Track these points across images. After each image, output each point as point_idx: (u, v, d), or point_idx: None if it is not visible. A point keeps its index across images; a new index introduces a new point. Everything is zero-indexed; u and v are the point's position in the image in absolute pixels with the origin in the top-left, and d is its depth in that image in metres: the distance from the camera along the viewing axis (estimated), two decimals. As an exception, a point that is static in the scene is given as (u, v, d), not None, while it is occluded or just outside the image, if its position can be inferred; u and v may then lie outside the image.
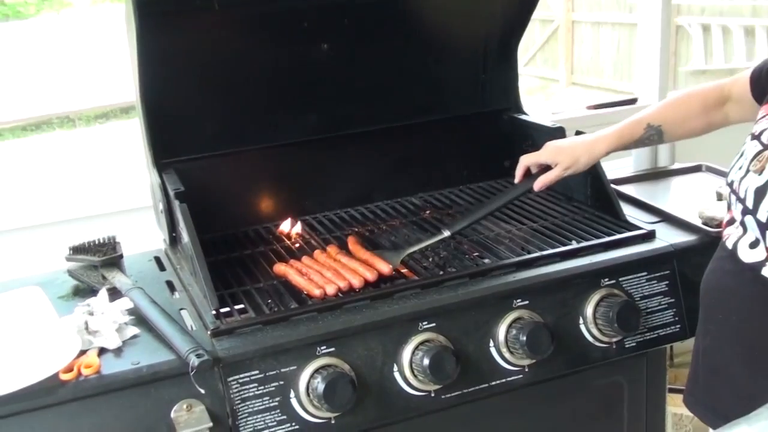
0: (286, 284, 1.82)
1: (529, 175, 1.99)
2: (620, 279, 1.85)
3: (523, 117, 2.36)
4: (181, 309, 1.76)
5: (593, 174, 2.09)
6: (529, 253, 1.89)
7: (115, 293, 1.77)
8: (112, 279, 1.85)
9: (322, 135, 2.22)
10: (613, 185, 2.12)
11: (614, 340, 1.83)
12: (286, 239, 2.10)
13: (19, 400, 1.43)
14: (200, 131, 2.10)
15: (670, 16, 2.90)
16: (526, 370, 1.76)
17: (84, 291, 1.87)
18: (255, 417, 1.56)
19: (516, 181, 2.01)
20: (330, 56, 2.16)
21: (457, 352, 1.66)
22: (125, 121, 7.82)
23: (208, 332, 1.61)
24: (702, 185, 2.38)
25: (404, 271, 1.87)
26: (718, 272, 1.67)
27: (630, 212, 2.08)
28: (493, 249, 1.94)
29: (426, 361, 1.62)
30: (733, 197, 1.59)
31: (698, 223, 2.00)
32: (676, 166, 2.58)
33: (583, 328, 1.81)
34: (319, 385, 1.55)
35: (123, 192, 2.44)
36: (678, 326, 1.90)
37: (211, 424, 1.51)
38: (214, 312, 1.66)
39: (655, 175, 2.53)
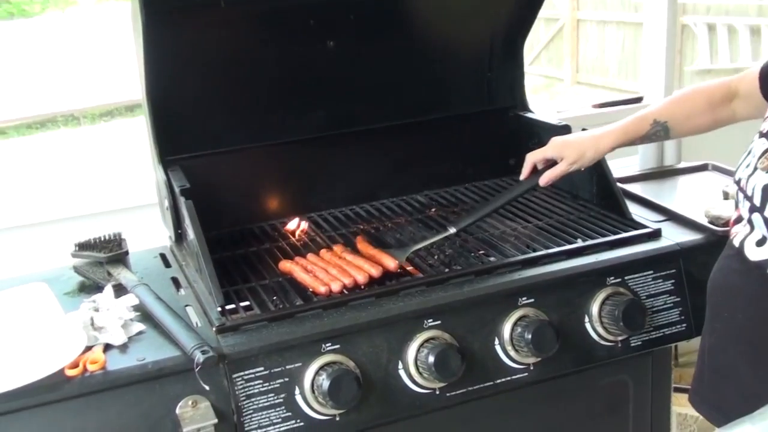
0: (291, 281, 1.82)
1: (535, 172, 1.98)
2: (626, 277, 1.84)
3: (529, 115, 2.36)
4: (187, 305, 1.76)
5: (599, 172, 2.08)
6: (534, 251, 1.89)
7: (120, 290, 1.77)
8: (117, 275, 1.85)
9: (327, 132, 2.22)
10: (619, 184, 2.12)
11: (620, 338, 1.82)
12: (291, 236, 2.10)
13: (25, 396, 1.43)
14: (206, 128, 2.10)
15: (676, 15, 2.90)
16: (531, 368, 1.76)
17: (89, 287, 1.87)
18: (260, 413, 1.56)
19: (522, 177, 2.00)
20: (336, 54, 2.16)
21: (462, 349, 1.66)
22: (130, 119, 7.83)
23: (214, 329, 1.62)
24: (708, 184, 2.37)
25: (410, 268, 1.87)
26: (725, 271, 1.67)
27: (636, 211, 2.08)
28: (498, 247, 1.94)
29: (431, 359, 1.61)
30: (741, 195, 1.59)
31: (704, 222, 2.00)
32: (683, 165, 2.57)
33: (588, 326, 1.81)
34: (324, 382, 1.55)
35: (128, 189, 2.45)
36: (684, 325, 1.90)
37: (216, 421, 1.51)
38: (219, 309, 1.66)
39: (661, 173, 2.52)
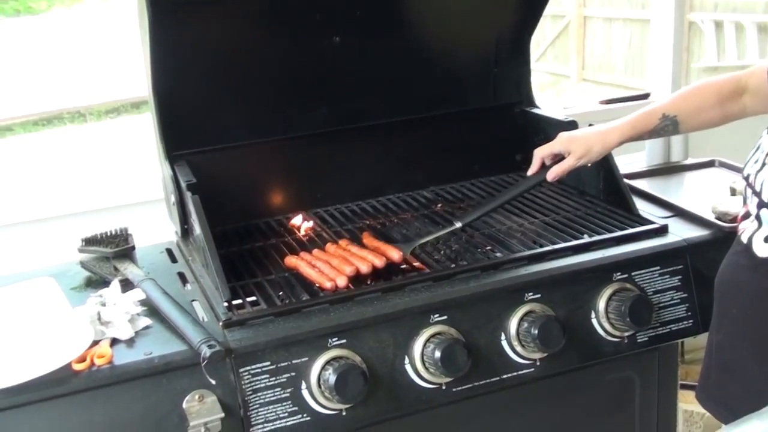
0: (297, 276, 1.82)
1: (543, 167, 1.98)
2: (633, 273, 1.84)
3: (536, 111, 2.36)
4: (193, 300, 1.76)
5: (606, 168, 2.08)
6: (541, 246, 1.88)
7: (127, 284, 1.78)
8: (124, 270, 1.85)
9: (333, 128, 2.22)
10: (625, 180, 2.11)
11: (626, 334, 1.82)
12: (297, 232, 2.11)
13: (33, 390, 1.44)
14: (212, 124, 2.10)
15: (683, 12, 2.89)
16: (538, 363, 1.75)
17: (96, 282, 1.88)
18: (266, 408, 1.56)
19: (530, 173, 2.00)
20: (342, 49, 2.15)
21: (469, 344, 1.66)
22: (136, 116, 7.84)
23: (220, 323, 1.62)
24: (715, 180, 2.37)
25: (416, 263, 1.87)
26: (733, 267, 1.66)
27: (643, 207, 2.07)
28: (505, 242, 1.94)
29: (437, 354, 1.62)
30: (749, 191, 1.58)
31: (711, 218, 1.99)
32: (690, 161, 2.57)
33: (595, 322, 1.81)
34: (331, 376, 1.55)
35: (135, 185, 2.45)
36: (690, 321, 1.89)
37: (222, 415, 1.52)
38: (225, 303, 1.66)
39: (668, 169, 2.51)
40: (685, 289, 1.89)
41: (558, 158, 1.95)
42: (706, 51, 8.66)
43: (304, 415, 1.59)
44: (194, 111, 2.06)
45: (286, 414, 1.58)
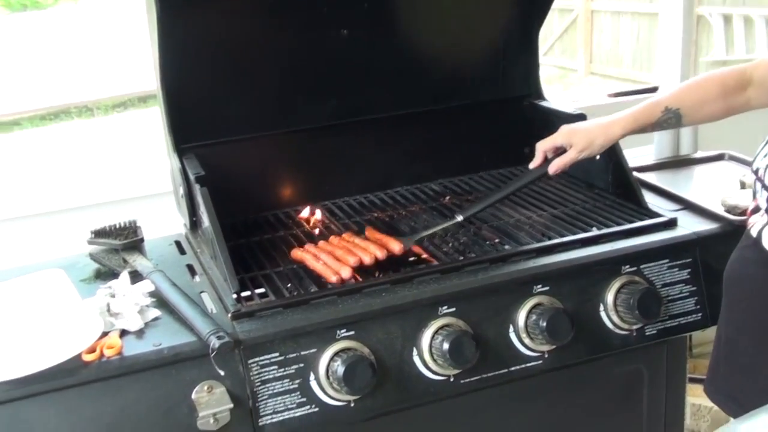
0: (305, 268, 1.82)
1: (546, 160, 1.97)
2: (641, 266, 1.84)
3: (544, 103, 2.35)
4: (202, 292, 1.77)
5: (615, 161, 2.08)
6: (549, 239, 1.88)
7: (136, 276, 1.78)
8: (133, 262, 1.86)
9: (341, 120, 2.22)
10: (634, 173, 2.11)
11: (635, 327, 1.82)
12: (305, 224, 2.11)
13: (43, 380, 1.45)
14: (220, 116, 2.10)
15: (691, 6, 2.87)
16: (546, 356, 1.75)
17: (106, 274, 1.88)
18: (275, 399, 1.57)
19: (532, 166, 1.99)
20: (349, 42, 2.15)
21: (477, 337, 1.66)
22: (143, 110, 7.86)
23: (229, 315, 1.62)
24: (725, 173, 2.36)
25: (425, 255, 1.87)
26: (742, 261, 1.66)
27: (652, 200, 2.07)
28: (513, 235, 1.94)
29: (446, 346, 1.62)
30: (758, 185, 1.58)
31: (721, 211, 1.99)
32: (699, 154, 2.56)
33: (603, 314, 1.80)
34: (339, 368, 1.56)
35: (143, 178, 2.46)
36: (699, 314, 1.89)
37: (231, 405, 1.52)
38: (234, 295, 1.67)
39: (677, 163, 2.51)
40: (694, 282, 1.88)
41: (560, 151, 1.94)
42: (714, 45, 8.63)
43: (313, 406, 1.59)
44: (202, 104, 2.06)
45: (295, 405, 1.58)
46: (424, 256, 1.87)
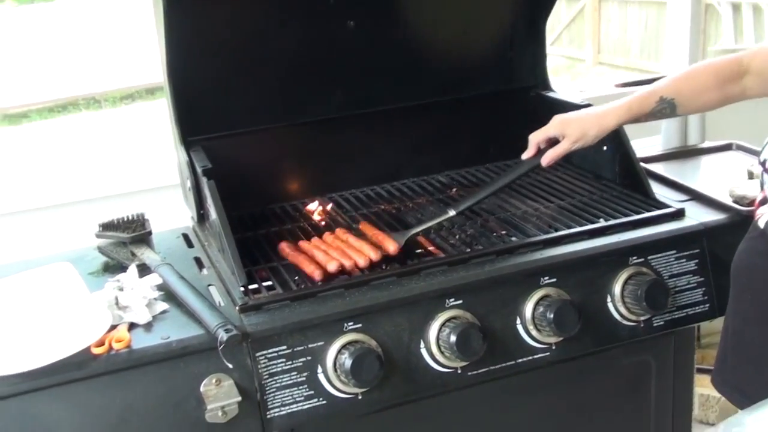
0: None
1: (538, 152, 1.95)
2: (649, 257, 1.83)
3: (551, 94, 2.34)
4: (210, 285, 1.77)
5: (622, 152, 2.07)
6: (556, 230, 1.88)
7: (144, 269, 1.79)
8: (141, 255, 1.86)
9: (348, 112, 2.22)
10: (642, 163, 2.10)
11: (642, 318, 1.81)
12: (312, 217, 2.11)
13: (52, 374, 1.45)
14: (227, 109, 2.11)
15: (701, -5, 2.86)
16: (553, 347, 1.75)
17: (114, 267, 1.89)
18: (283, 392, 1.57)
19: (525, 157, 1.97)
20: (356, 34, 2.15)
21: (484, 329, 1.66)
22: (151, 102, 7.87)
23: (237, 308, 1.63)
24: (732, 164, 2.35)
25: (431, 248, 1.87)
26: (749, 252, 1.65)
27: (659, 191, 2.06)
28: (520, 226, 1.93)
29: (453, 338, 1.62)
30: (766, 176, 1.57)
31: (729, 201, 1.98)
32: (706, 144, 2.55)
33: (610, 306, 1.80)
34: (347, 360, 1.56)
35: (151, 170, 2.46)
36: (707, 305, 1.89)
37: (239, 398, 1.53)
38: (242, 288, 1.67)
39: (684, 153, 2.50)
40: (701, 273, 1.88)
41: (553, 142, 1.92)
42: (723, 34, 8.58)
43: (320, 398, 1.60)
44: (209, 96, 2.06)
45: (303, 398, 1.59)
46: (431, 248, 1.87)
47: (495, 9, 2.31)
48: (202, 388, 1.52)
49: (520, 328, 1.73)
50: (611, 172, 2.14)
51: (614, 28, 10.25)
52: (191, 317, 1.60)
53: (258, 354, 1.56)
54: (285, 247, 1.86)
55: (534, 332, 1.73)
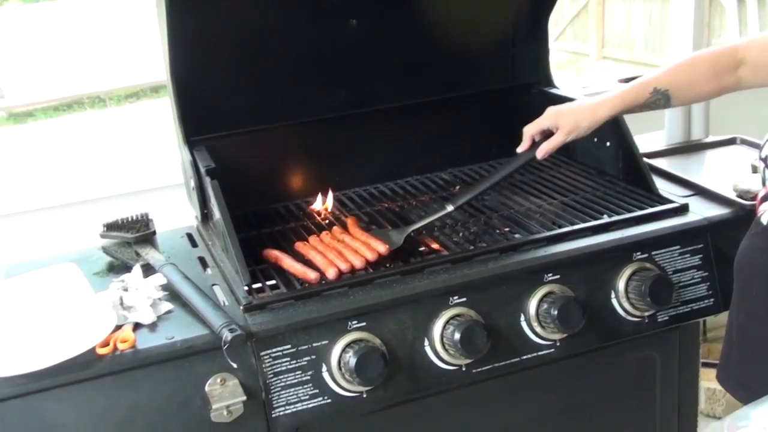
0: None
1: (533, 145, 1.95)
2: (653, 253, 1.83)
3: (554, 91, 2.34)
4: (214, 285, 1.77)
5: (625, 147, 2.07)
6: (560, 227, 1.88)
7: (148, 269, 1.79)
8: (145, 255, 1.86)
9: (351, 111, 2.22)
10: (645, 159, 2.10)
11: (646, 314, 1.81)
12: (316, 215, 2.11)
13: (58, 374, 1.46)
14: (230, 108, 2.11)
15: (705, -12, 2.85)
16: (558, 344, 1.75)
17: (118, 267, 1.89)
18: (288, 391, 1.58)
19: (519, 150, 1.97)
20: (359, 32, 2.15)
21: (488, 326, 1.66)
22: (155, 101, 7.88)
23: (241, 307, 1.63)
24: (737, 158, 2.35)
25: (435, 245, 1.87)
26: (752, 248, 1.65)
27: (663, 186, 2.06)
28: (523, 223, 1.93)
29: (457, 336, 1.62)
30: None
31: (733, 196, 1.98)
32: (710, 138, 2.54)
33: (615, 302, 1.80)
34: (351, 359, 1.56)
35: (155, 170, 2.47)
36: (711, 300, 1.89)
37: (244, 398, 1.53)
38: (246, 287, 1.67)
39: (688, 148, 2.49)
40: (705, 267, 1.88)
41: (547, 134, 1.92)
42: (727, 27, 8.55)
43: (325, 397, 1.60)
44: (212, 96, 2.06)
45: (308, 396, 1.59)
46: (435, 245, 1.87)
47: (497, 6, 2.31)
48: (207, 388, 1.53)
49: (524, 325, 1.74)
50: (614, 168, 2.14)
51: (618, 22, 10.21)
52: (196, 317, 1.61)
53: (262, 353, 1.56)
54: (271, 253, 1.85)
55: (538, 329, 1.73)
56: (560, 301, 1.70)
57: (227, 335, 1.50)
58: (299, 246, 1.86)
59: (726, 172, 2.18)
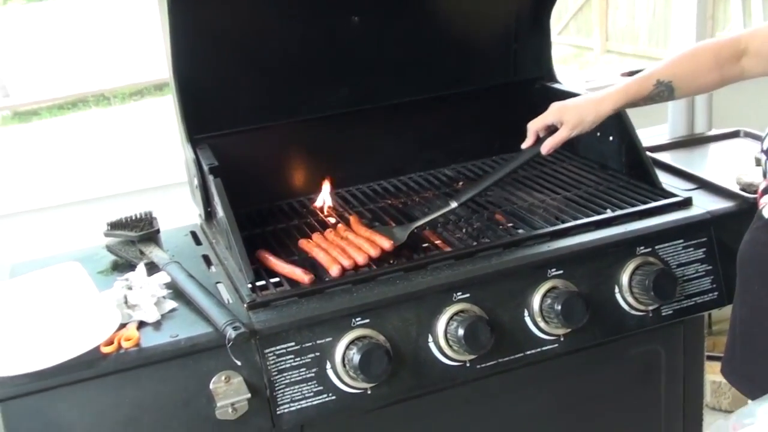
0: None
1: (537, 140, 1.95)
2: (656, 247, 1.83)
3: (556, 86, 2.33)
4: (218, 282, 1.78)
5: (628, 142, 2.06)
6: (563, 222, 1.87)
7: (152, 268, 1.79)
8: (149, 254, 1.87)
9: (353, 108, 2.22)
10: (648, 153, 2.09)
11: (650, 308, 1.81)
12: (319, 212, 2.11)
13: (62, 373, 1.46)
14: (233, 106, 2.11)
15: (707, -21, 2.84)
16: (562, 339, 1.75)
17: (122, 266, 1.90)
18: (292, 388, 1.58)
19: (524, 146, 1.97)
20: (360, 28, 2.15)
21: (492, 322, 1.66)
22: (160, 98, 7.88)
23: (245, 305, 1.63)
24: (740, 151, 2.34)
25: (438, 242, 1.87)
26: (754, 242, 1.65)
27: (666, 180, 2.05)
28: (526, 219, 1.93)
29: (461, 332, 1.62)
30: (770, 164, 1.57)
31: (736, 189, 1.97)
32: (714, 132, 2.54)
33: (618, 296, 1.80)
34: (355, 356, 1.56)
35: (159, 168, 2.47)
36: (716, 293, 1.88)
37: (249, 395, 1.54)
38: (249, 285, 1.68)
39: (691, 141, 2.49)
40: (709, 261, 1.87)
41: (552, 130, 1.92)
42: (731, 18, 8.52)
43: (330, 394, 1.60)
44: (215, 94, 2.07)
45: (312, 393, 1.59)
46: (438, 242, 1.87)
47: (499, 1, 2.31)
48: (211, 386, 1.53)
49: (527, 320, 1.73)
50: (617, 162, 2.14)
51: (622, 15, 10.18)
52: (200, 315, 1.61)
53: (266, 351, 1.57)
54: (259, 254, 1.84)
55: (542, 324, 1.73)
56: (564, 296, 1.70)
57: (231, 333, 1.50)
58: (303, 243, 1.86)
59: (729, 165, 2.18)
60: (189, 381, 1.53)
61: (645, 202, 1.93)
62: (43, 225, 2.32)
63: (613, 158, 2.15)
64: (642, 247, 1.82)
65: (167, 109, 2.21)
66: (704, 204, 1.93)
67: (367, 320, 1.62)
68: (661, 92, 1.81)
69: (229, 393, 1.53)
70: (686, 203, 1.92)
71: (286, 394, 1.58)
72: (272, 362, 1.57)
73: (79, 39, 9.34)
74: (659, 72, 1.81)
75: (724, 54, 1.75)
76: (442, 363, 1.67)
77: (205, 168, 1.86)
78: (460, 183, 2.23)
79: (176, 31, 1.82)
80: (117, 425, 1.51)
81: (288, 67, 2.13)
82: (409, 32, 2.21)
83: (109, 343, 1.52)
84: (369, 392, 1.62)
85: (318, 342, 1.60)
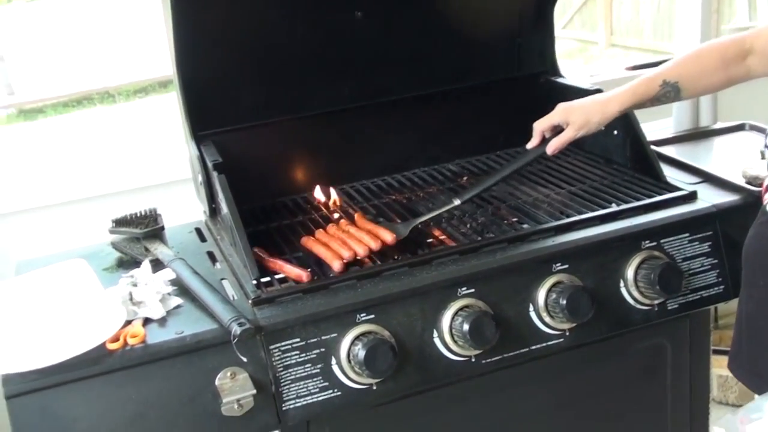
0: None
1: (544, 140, 1.94)
2: (661, 241, 1.82)
3: (560, 80, 2.33)
4: (223, 279, 1.78)
5: (633, 136, 2.06)
6: (568, 216, 1.87)
7: (157, 264, 1.80)
8: (154, 250, 1.87)
9: (357, 103, 2.22)
10: (653, 146, 2.09)
11: (656, 302, 1.81)
12: (323, 208, 2.11)
13: (68, 370, 1.47)
14: (237, 102, 2.11)
15: (712, -28, 2.83)
16: (567, 333, 1.75)
17: (127, 263, 1.90)
18: (297, 384, 1.58)
19: (530, 146, 1.96)
20: (364, 24, 2.15)
21: (497, 317, 1.66)
22: (164, 95, 7.89)
23: (250, 301, 1.64)
24: (745, 144, 2.33)
25: (442, 237, 1.87)
26: (758, 237, 1.64)
27: (671, 173, 2.05)
28: (531, 213, 1.93)
29: (466, 327, 1.62)
30: (774, 158, 1.56)
31: (741, 182, 1.97)
32: (719, 125, 2.53)
33: (624, 291, 1.80)
34: (360, 351, 1.56)
35: (163, 165, 2.47)
36: (722, 287, 1.88)
37: (254, 391, 1.54)
38: (254, 281, 1.68)
39: (696, 135, 2.48)
40: (715, 255, 1.87)
41: (558, 130, 1.91)
42: (736, 12, 8.48)
43: (335, 390, 1.60)
44: (219, 90, 2.06)
45: (317, 389, 1.60)
46: (442, 237, 1.87)
47: (502, -4, 2.30)
48: (217, 382, 1.53)
49: (533, 315, 1.73)
50: (622, 156, 2.14)
51: (626, 9, 10.15)
52: (205, 311, 1.61)
53: (272, 347, 1.57)
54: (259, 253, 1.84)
55: (547, 319, 1.73)
56: (569, 290, 1.70)
57: (236, 329, 1.50)
58: (305, 240, 1.86)
59: (735, 159, 2.17)
60: (195, 377, 1.54)
61: (650, 196, 1.92)
62: (49, 222, 2.33)
63: (618, 152, 2.15)
64: (647, 241, 1.81)
65: (171, 106, 2.21)
66: (709, 197, 1.92)
67: (372, 316, 1.62)
68: (668, 93, 1.81)
69: (234, 389, 1.53)
70: (691, 197, 1.92)
71: (291, 390, 1.58)
72: (277, 358, 1.57)
73: (84, 36, 9.36)
74: (665, 73, 1.81)
75: (729, 54, 1.75)
76: (448, 358, 1.67)
77: (209, 165, 1.86)
78: (465, 178, 2.23)
79: (180, 29, 1.82)
80: (123, 421, 1.51)
81: (292, 63, 2.13)
82: (412, 27, 2.21)
83: (115, 339, 1.52)
84: (374, 388, 1.62)
85: (323, 338, 1.60)
